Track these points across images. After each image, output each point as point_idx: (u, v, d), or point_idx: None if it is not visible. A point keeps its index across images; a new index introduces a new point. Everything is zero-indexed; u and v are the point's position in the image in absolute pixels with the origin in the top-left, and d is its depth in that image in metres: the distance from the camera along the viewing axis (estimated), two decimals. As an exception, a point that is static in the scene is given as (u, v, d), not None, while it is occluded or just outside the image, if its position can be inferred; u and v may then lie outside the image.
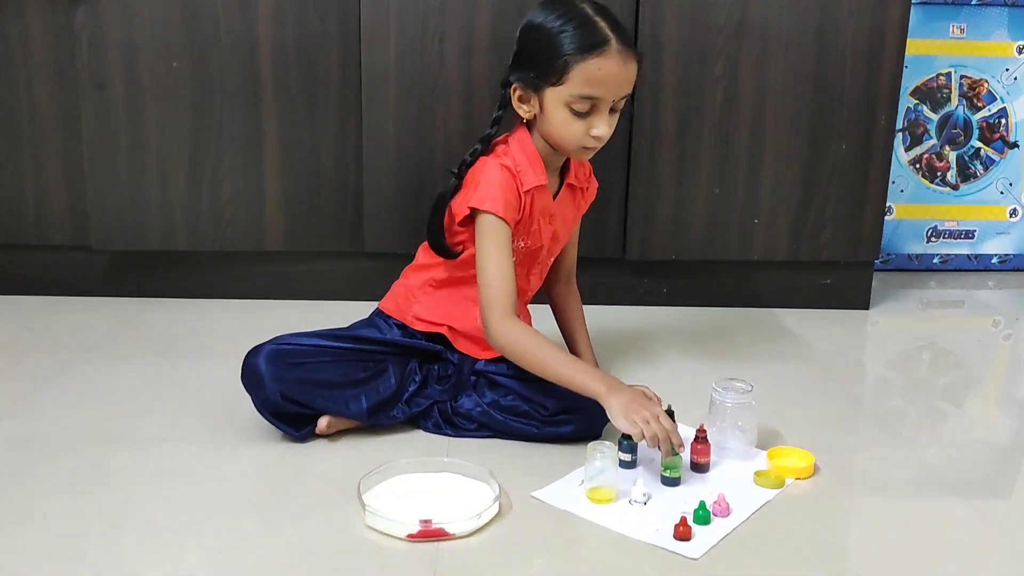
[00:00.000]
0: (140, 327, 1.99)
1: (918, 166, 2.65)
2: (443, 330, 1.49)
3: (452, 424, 1.45)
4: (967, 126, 2.64)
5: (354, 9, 1.99)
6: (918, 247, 2.68)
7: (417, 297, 1.52)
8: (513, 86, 1.42)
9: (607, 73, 1.34)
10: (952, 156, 2.65)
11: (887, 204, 2.26)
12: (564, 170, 1.52)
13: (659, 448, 1.26)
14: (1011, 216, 2.68)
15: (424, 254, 1.53)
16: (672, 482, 1.28)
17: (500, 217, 1.38)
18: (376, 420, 1.42)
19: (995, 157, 2.66)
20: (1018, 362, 2.03)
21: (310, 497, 1.26)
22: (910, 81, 2.57)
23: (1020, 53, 2.58)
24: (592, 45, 1.33)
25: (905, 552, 1.16)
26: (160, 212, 2.08)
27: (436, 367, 1.49)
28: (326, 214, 2.11)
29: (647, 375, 1.73)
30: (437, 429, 1.45)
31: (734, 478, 1.32)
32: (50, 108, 2.06)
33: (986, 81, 2.61)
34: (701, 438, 1.33)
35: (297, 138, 2.06)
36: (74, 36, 1.99)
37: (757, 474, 1.32)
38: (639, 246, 2.14)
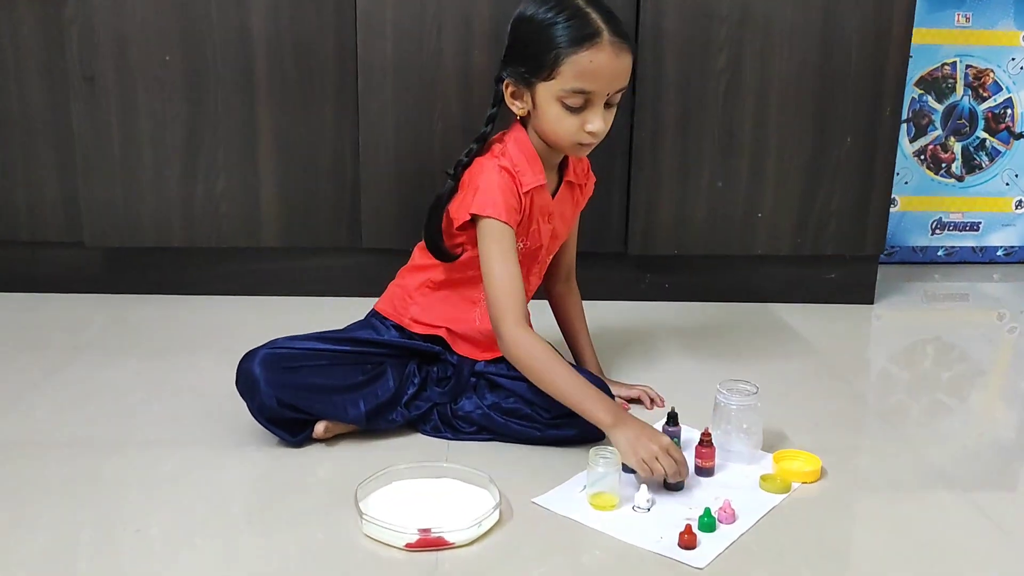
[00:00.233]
0: (134, 325, 1.96)
1: (923, 157, 2.61)
2: (442, 332, 1.46)
3: (451, 427, 1.42)
4: (972, 116, 2.60)
5: (350, 0, 1.95)
6: (922, 239, 2.65)
7: (414, 299, 1.48)
8: (505, 82, 1.38)
9: (599, 66, 1.29)
10: (957, 147, 2.62)
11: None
12: (562, 167, 1.48)
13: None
14: (1016, 208, 2.65)
15: (420, 255, 1.50)
16: (675, 487, 1.26)
17: (503, 222, 1.34)
18: (375, 425, 1.39)
19: (1001, 148, 2.62)
20: (1025, 357, 2.01)
21: (307, 503, 1.23)
22: (915, 71, 2.53)
23: (1026, 42, 2.55)
24: (583, 37, 1.28)
25: (916, 559, 1.14)
26: (154, 207, 2.05)
27: (435, 369, 1.46)
28: (323, 209, 2.08)
29: (648, 373, 1.71)
30: (436, 432, 1.43)
31: (739, 483, 1.29)
32: (40, 102, 2.03)
33: (992, 71, 2.57)
34: (706, 442, 1.31)
35: (293, 132, 2.03)
36: (64, 28, 1.95)
37: (763, 479, 1.29)
38: (641, 240, 2.10)
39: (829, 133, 2.06)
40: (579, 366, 1.57)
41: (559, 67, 1.30)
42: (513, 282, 1.34)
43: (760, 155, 2.07)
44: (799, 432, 1.47)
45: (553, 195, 1.46)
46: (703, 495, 1.25)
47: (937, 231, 2.65)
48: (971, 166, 2.63)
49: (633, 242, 2.10)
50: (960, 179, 2.63)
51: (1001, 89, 2.59)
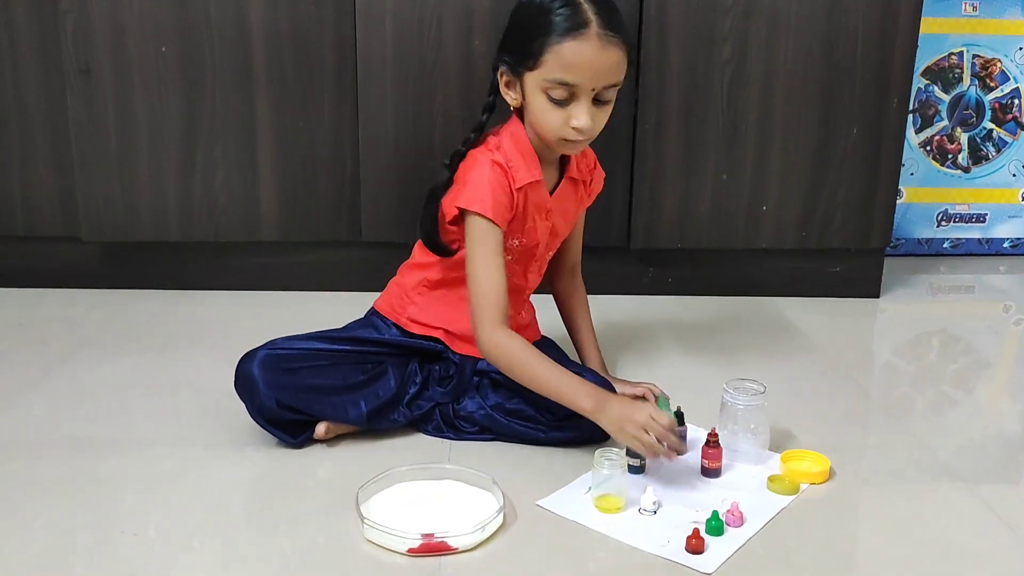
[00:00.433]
0: (131, 321, 1.94)
1: (929, 148, 2.58)
2: (439, 334, 1.44)
3: (453, 427, 1.40)
4: (979, 107, 2.57)
5: (349, -10, 1.92)
6: (928, 231, 2.63)
7: (412, 298, 1.46)
8: (500, 71, 1.35)
9: (583, 58, 1.26)
10: (964, 138, 2.59)
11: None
12: (564, 163, 1.45)
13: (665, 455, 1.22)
14: (1023, 199, 2.62)
15: (420, 251, 1.47)
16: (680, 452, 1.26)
17: (490, 219, 1.31)
18: (376, 425, 1.37)
19: (1008, 139, 2.59)
20: (1033, 352, 1.98)
21: (307, 506, 1.21)
22: (921, 61, 2.50)
23: (1034, 31, 2.51)
24: (569, 27, 1.25)
25: (927, 561, 1.12)
26: (151, 201, 2.02)
27: (437, 368, 1.44)
28: (322, 202, 2.05)
29: (652, 370, 1.69)
30: (438, 432, 1.40)
31: (747, 484, 1.27)
32: (36, 94, 1.99)
33: (999, 60, 2.54)
34: (713, 442, 1.29)
35: (291, 124, 2.00)
36: (58, 19, 1.92)
37: (771, 479, 1.27)
38: (644, 234, 2.08)
39: (835, 124, 2.04)
40: (582, 364, 1.55)
41: (544, 56, 1.27)
42: (493, 285, 1.31)
43: (765, 147, 2.04)
44: (806, 430, 1.45)
45: (552, 191, 1.43)
46: (710, 497, 1.23)
47: (943, 223, 2.62)
48: (978, 157, 2.60)
49: (636, 236, 2.08)
50: (966, 170, 2.60)
51: (1008, 79, 2.56)
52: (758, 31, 1.97)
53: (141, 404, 1.52)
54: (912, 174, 2.58)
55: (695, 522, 1.15)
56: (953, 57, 2.53)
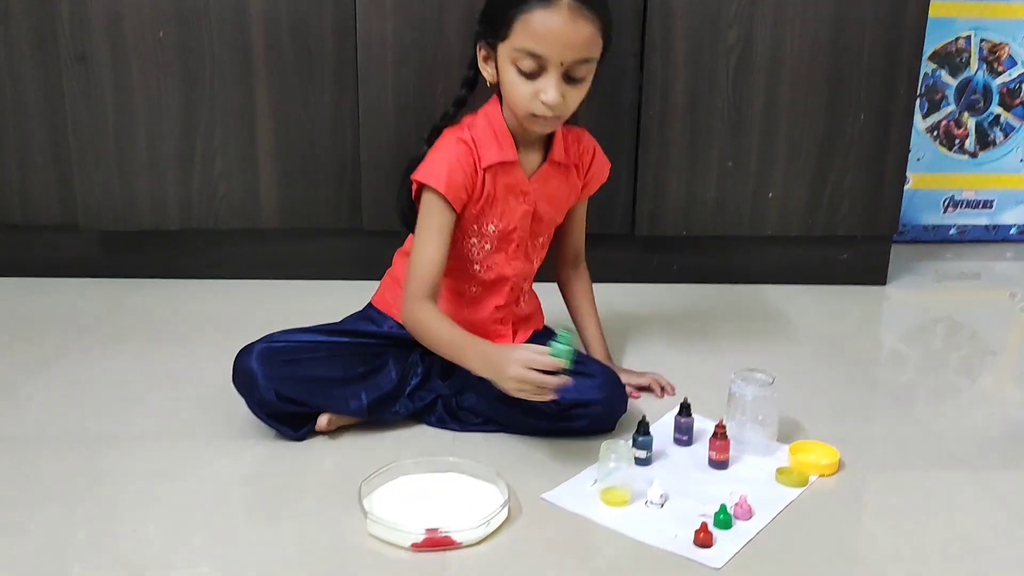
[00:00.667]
0: (130, 310, 1.92)
1: (935, 133, 2.56)
2: None
3: (456, 418, 1.38)
4: (987, 91, 2.54)
5: (349, -25, 1.89)
6: (934, 218, 2.60)
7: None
8: (478, 44, 1.33)
9: (551, 28, 1.23)
10: (971, 123, 2.56)
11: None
12: (549, 146, 1.41)
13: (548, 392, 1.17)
14: (1031, 185, 2.60)
15: (410, 239, 1.44)
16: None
17: (442, 194, 1.30)
18: (378, 416, 1.35)
19: (1015, 124, 2.56)
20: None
21: (310, 500, 1.20)
22: (928, 45, 2.46)
23: (1043, 15, 2.48)
24: None
25: (937, 552, 1.10)
26: (150, 190, 2.00)
27: (439, 360, 1.41)
28: (322, 190, 2.02)
29: (657, 358, 1.67)
30: (441, 424, 1.38)
31: (755, 476, 1.25)
32: (32, 82, 1.96)
33: (1007, 44, 2.50)
34: (720, 434, 1.27)
35: (291, 111, 1.97)
36: (55, 4, 1.89)
37: (779, 471, 1.25)
38: (649, 221, 2.05)
39: (842, 111, 2.01)
40: (587, 354, 1.53)
41: (514, 25, 1.25)
42: (426, 263, 1.31)
43: (771, 133, 2.01)
44: (814, 421, 1.43)
45: (532, 174, 1.40)
46: (718, 489, 1.21)
47: (950, 209, 2.60)
48: (985, 142, 2.57)
49: (640, 223, 2.05)
50: (974, 155, 2.58)
51: (1016, 63, 2.52)
52: (764, 16, 1.94)
53: (140, 397, 1.50)
54: (919, 159, 2.55)
55: (703, 515, 1.14)
56: (961, 41, 2.50)
